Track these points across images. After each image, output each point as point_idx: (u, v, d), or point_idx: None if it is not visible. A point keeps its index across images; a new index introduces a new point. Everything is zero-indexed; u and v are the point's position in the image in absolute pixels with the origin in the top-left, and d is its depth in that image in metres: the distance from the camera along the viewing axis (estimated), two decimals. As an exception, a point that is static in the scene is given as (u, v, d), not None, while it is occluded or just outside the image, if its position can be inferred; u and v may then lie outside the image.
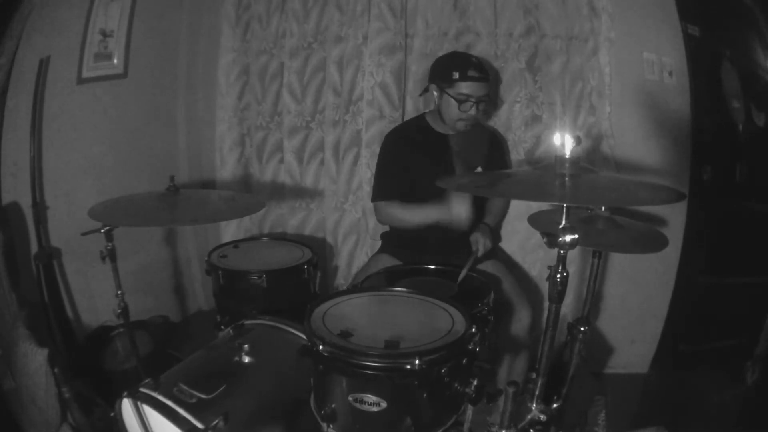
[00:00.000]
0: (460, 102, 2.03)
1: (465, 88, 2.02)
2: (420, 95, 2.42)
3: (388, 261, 2.21)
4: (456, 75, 2.02)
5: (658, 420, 1.97)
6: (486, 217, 2.28)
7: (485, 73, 2.06)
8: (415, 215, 2.12)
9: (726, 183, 2.45)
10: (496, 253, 2.36)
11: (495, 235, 2.33)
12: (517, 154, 2.50)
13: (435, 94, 2.12)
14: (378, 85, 2.53)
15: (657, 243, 1.66)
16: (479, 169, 2.20)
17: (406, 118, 2.55)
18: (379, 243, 2.44)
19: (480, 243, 2.09)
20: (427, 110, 2.31)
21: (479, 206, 2.29)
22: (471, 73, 2.01)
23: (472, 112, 2.06)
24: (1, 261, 1.97)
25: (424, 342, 1.26)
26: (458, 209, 1.97)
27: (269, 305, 1.82)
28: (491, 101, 2.38)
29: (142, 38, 2.53)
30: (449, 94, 2.05)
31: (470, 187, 1.57)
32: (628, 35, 2.33)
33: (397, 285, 1.64)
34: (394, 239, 2.33)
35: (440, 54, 2.41)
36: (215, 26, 2.79)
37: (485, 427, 1.42)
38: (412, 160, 2.17)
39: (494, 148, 2.32)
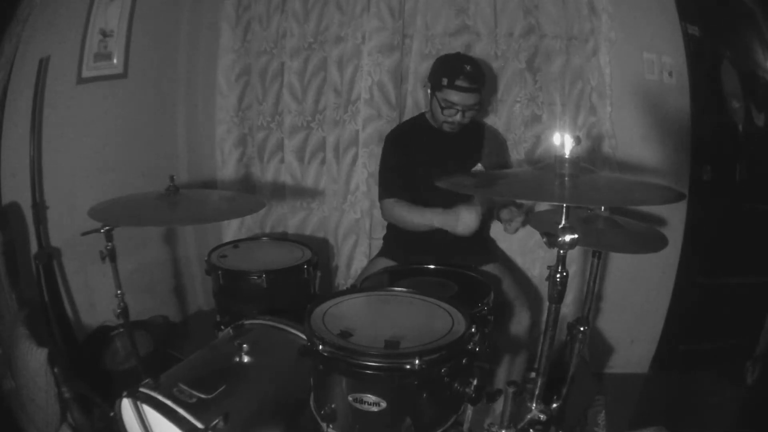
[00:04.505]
0: (443, 108, 2.03)
1: (452, 95, 2.00)
2: (423, 86, 2.40)
3: (387, 264, 2.21)
4: (445, 81, 1.99)
5: (658, 420, 1.97)
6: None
7: (477, 83, 2.01)
8: (418, 217, 2.06)
9: (726, 183, 2.45)
10: (496, 255, 2.36)
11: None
12: (517, 154, 2.50)
13: (428, 92, 2.12)
14: (375, 84, 2.53)
15: (657, 243, 1.65)
16: (479, 166, 2.20)
17: (404, 118, 2.55)
18: (377, 243, 2.43)
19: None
20: (427, 109, 2.32)
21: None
22: (459, 82, 1.97)
23: (458, 118, 2.05)
24: (1, 261, 1.97)
25: (424, 342, 1.26)
26: (465, 221, 1.91)
27: (269, 305, 1.81)
28: (482, 108, 2.34)
29: (142, 38, 2.52)
30: (437, 98, 2.05)
31: (470, 187, 1.57)
32: (628, 35, 2.33)
33: (397, 285, 1.64)
34: (394, 240, 2.33)
35: (441, 54, 2.41)
36: (215, 26, 2.79)
37: (485, 427, 1.42)
38: (411, 157, 2.17)
39: (493, 146, 2.31)
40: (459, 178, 1.49)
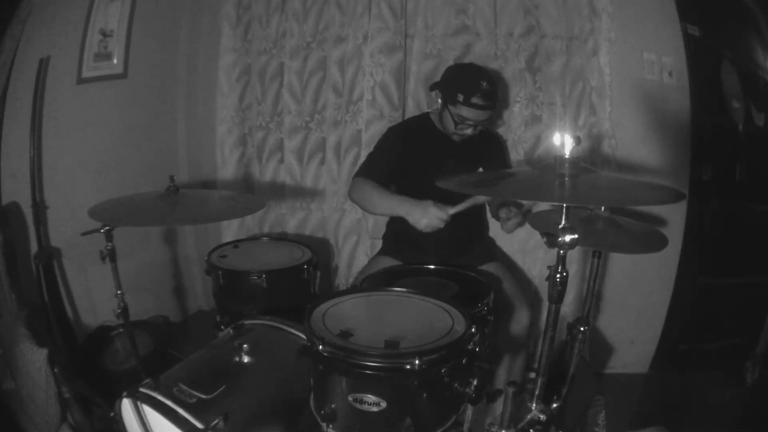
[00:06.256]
0: (456, 123, 2.03)
1: (465, 112, 1.99)
2: (430, 90, 2.38)
3: (388, 263, 2.21)
4: (460, 98, 1.97)
5: (658, 420, 1.98)
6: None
7: (491, 101, 1.99)
8: (383, 199, 1.97)
9: (726, 183, 2.45)
10: (496, 254, 2.36)
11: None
12: (517, 154, 2.51)
13: (438, 100, 2.11)
14: (378, 85, 2.53)
15: (657, 243, 1.65)
16: (480, 170, 2.20)
17: (405, 118, 2.55)
18: (378, 243, 2.43)
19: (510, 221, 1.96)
20: (430, 109, 2.31)
21: (475, 218, 2.29)
22: (475, 100, 1.96)
23: (469, 132, 2.05)
24: (1, 261, 1.97)
25: (424, 342, 1.26)
26: (431, 217, 1.81)
27: (269, 305, 1.81)
28: (492, 122, 2.34)
29: (142, 38, 2.53)
30: (450, 111, 2.04)
31: (470, 187, 1.57)
32: (628, 35, 2.33)
33: (396, 285, 1.64)
34: (394, 239, 2.33)
35: (441, 54, 2.41)
36: (215, 26, 2.79)
37: (485, 427, 1.42)
38: (412, 156, 2.15)
39: (496, 150, 2.32)
40: (460, 178, 1.48)
